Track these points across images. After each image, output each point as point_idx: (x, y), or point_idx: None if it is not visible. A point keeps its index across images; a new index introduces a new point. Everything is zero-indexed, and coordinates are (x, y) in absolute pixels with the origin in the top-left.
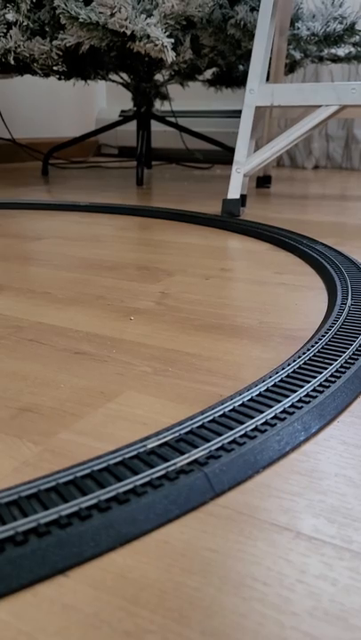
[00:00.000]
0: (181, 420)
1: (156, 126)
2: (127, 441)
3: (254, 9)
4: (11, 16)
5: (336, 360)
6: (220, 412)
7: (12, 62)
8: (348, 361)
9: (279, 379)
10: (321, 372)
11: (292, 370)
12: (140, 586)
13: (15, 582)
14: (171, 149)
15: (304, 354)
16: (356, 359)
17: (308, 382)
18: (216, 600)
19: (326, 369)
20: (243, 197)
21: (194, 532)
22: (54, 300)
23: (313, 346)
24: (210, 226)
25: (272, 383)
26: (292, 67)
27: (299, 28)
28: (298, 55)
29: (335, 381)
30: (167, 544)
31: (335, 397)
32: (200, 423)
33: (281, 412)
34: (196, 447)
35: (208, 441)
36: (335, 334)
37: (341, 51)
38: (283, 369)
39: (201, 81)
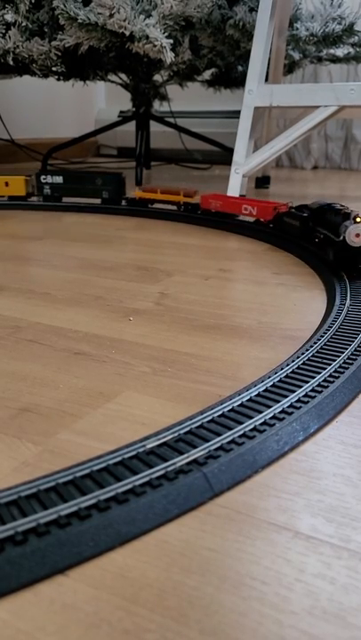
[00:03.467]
0: (180, 420)
1: (155, 127)
2: (126, 441)
3: (253, 9)
4: (10, 16)
5: (335, 360)
6: (219, 412)
7: (11, 63)
8: (347, 361)
9: (278, 379)
10: (320, 373)
11: (290, 370)
12: (139, 585)
13: (15, 582)
14: (170, 150)
15: (303, 354)
16: (355, 359)
17: (307, 382)
18: (215, 599)
19: (325, 369)
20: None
21: (193, 532)
22: (53, 300)
23: (312, 346)
24: (209, 226)
25: (271, 383)
26: (290, 67)
27: (298, 29)
28: (297, 56)
29: (334, 382)
30: (166, 543)
31: (334, 397)
32: (199, 423)
33: (280, 413)
34: (195, 447)
35: (207, 441)
36: (334, 334)
37: (340, 51)
38: (281, 369)
39: (200, 81)
